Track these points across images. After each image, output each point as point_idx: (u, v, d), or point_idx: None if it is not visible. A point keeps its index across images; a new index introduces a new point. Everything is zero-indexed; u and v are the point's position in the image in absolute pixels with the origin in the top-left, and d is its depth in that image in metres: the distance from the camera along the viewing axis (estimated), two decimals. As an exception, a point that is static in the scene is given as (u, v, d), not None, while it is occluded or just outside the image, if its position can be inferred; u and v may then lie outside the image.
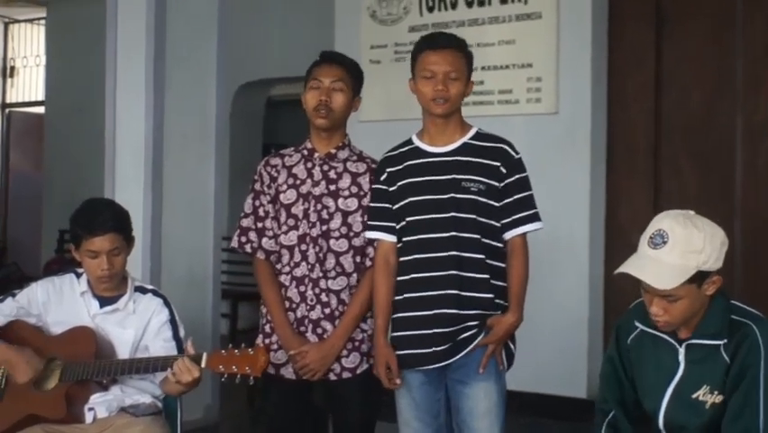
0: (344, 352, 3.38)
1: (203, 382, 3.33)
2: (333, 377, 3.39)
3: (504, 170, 3.20)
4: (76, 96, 9.12)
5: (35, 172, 10.73)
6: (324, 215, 3.38)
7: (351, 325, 3.37)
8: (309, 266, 3.37)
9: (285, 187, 3.43)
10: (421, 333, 3.19)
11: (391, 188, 3.28)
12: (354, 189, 3.40)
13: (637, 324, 2.78)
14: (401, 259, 3.26)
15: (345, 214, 3.38)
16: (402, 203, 3.25)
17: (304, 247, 3.38)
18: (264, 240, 3.46)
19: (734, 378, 2.58)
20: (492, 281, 3.19)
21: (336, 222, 3.37)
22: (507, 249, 3.23)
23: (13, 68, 11.95)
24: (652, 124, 5.68)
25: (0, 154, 11.83)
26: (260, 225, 3.47)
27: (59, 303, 3.44)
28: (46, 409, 3.27)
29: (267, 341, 3.45)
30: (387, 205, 3.29)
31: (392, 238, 3.28)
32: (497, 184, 3.19)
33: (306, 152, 3.47)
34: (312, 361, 3.34)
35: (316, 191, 3.40)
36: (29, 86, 11.84)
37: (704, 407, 2.62)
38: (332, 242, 3.37)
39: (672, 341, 2.69)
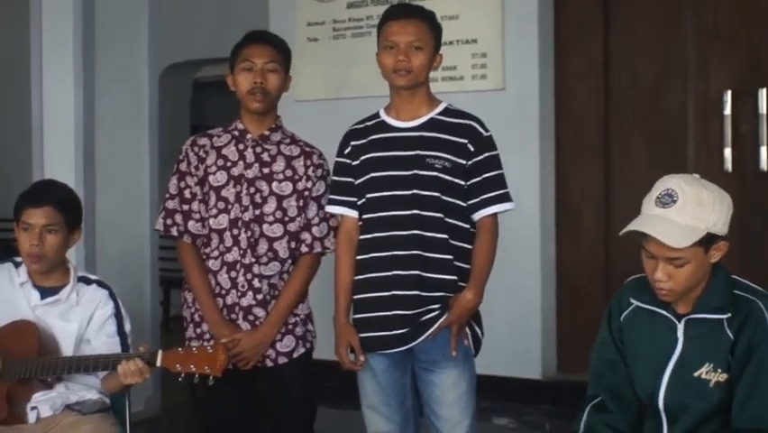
0: (278, 336, 3.28)
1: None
2: (269, 363, 3.29)
3: (472, 148, 3.09)
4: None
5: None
6: (258, 198, 3.26)
7: (285, 312, 3.28)
8: (241, 251, 3.25)
9: (214, 168, 3.30)
10: (382, 315, 3.08)
11: (354, 162, 3.17)
12: (289, 173, 3.29)
13: (632, 300, 2.65)
14: (362, 237, 3.14)
15: (280, 198, 3.27)
16: (364, 178, 3.14)
17: (235, 232, 3.26)
18: (191, 223, 3.32)
19: (740, 358, 2.46)
20: (456, 263, 3.08)
21: (270, 206, 3.27)
22: (475, 230, 3.12)
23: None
24: (602, 100, 5.58)
25: None
26: (185, 207, 3.33)
27: None
28: (-15, 411, 3.06)
29: (198, 330, 3.33)
30: (350, 179, 3.17)
31: (355, 214, 3.17)
32: (463, 162, 3.08)
33: (237, 133, 3.34)
34: (245, 349, 3.22)
35: (249, 174, 3.28)
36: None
37: (708, 386, 2.49)
38: (265, 227, 3.27)
39: (671, 316, 2.57)
